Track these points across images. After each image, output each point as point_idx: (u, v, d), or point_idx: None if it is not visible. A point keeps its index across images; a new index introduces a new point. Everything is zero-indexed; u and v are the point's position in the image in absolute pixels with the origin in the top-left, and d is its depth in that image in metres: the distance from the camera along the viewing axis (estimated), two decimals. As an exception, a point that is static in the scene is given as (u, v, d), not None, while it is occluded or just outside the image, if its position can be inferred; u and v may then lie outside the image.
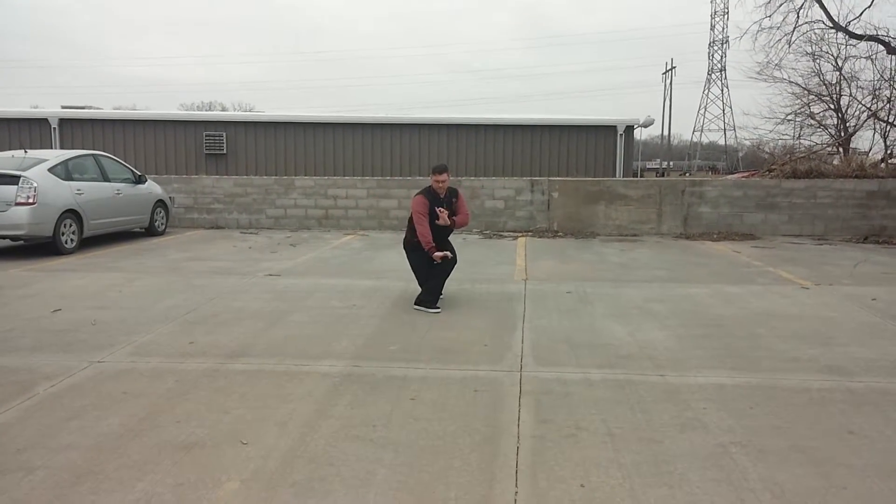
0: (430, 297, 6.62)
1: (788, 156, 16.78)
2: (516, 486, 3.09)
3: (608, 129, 19.01)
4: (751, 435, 3.63)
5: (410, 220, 6.75)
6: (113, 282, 7.86)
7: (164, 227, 13.04)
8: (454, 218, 6.76)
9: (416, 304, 6.63)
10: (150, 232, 12.63)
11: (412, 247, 6.80)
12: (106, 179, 11.40)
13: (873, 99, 17.88)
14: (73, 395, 4.19)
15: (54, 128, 18.72)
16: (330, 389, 4.31)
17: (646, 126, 20.37)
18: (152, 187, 12.78)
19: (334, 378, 4.52)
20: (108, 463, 3.28)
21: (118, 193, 11.51)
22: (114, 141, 18.87)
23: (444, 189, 6.64)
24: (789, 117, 19.01)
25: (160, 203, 12.90)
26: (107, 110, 21.59)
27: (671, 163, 59.74)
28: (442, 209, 6.59)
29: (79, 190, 10.48)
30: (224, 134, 18.93)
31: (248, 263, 9.37)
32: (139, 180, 12.32)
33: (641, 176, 35.96)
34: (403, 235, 7.15)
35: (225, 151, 18.96)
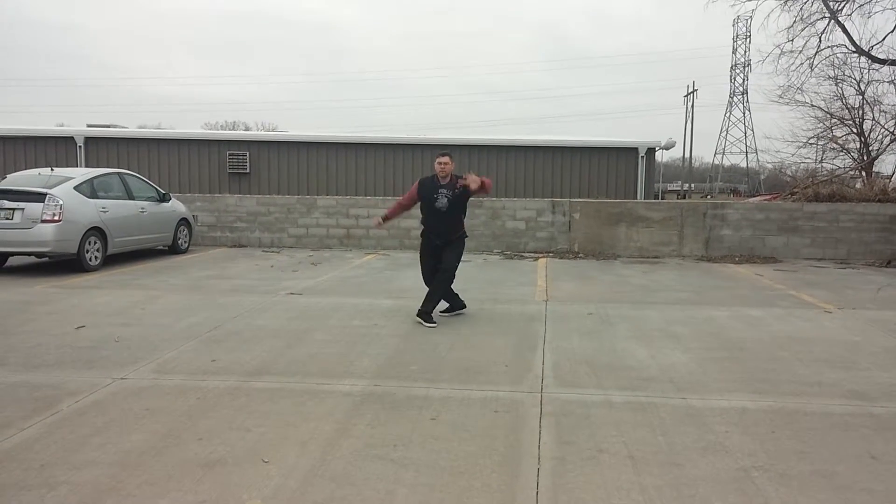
0: (427, 306, 6.77)
1: (811, 179, 16.65)
2: (536, 508, 3.08)
3: (630, 151, 18.99)
4: (773, 459, 3.59)
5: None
6: (136, 299, 7.98)
7: (187, 245, 13.21)
8: (478, 180, 6.53)
9: (417, 315, 6.83)
10: (174, 250, 12.80)
11: (421, 232, 7.12)
12: (130, 197, 11.60)
13: (897, 123, 17.72)
14: (97, 411, 4.25)
15: (80, 146, 19.09)
16: (351, 408, 4.33)
17: (667, 148, 20.34)
18: (176, 206, 12.97)
19: (355, 397, 4.54)
20: (131, 480, 3.32)
21: (142, 211, 11.69)
22: (138, 159, 19.19)
23: (446, 172, 6.75)
24: (811, 141, 18.91)
25: (183, 221, 13.08)
26: (132, 129, 22.00)
27: (693, 185, 59.47)
28: (448, 192, 6.71)
29: (104, 208, 10.67)
30: (247, 153, 19.18)
31: (270, 282, 9.46)
32: (163, 198, 12.51)
33: (663, 198, 35.81)
34: (418, 255, 7.37)
35: (248, 170, 19.20)
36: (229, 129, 55.13)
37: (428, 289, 6.94)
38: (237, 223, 14.74)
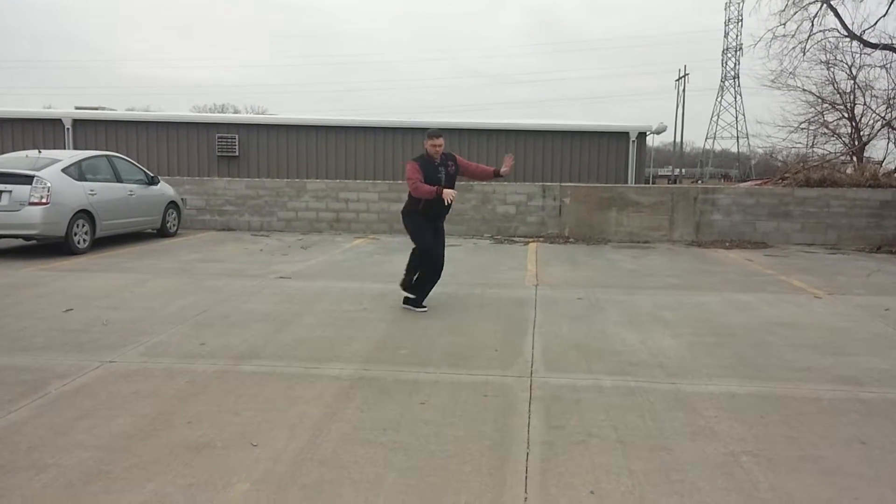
0: (419, 293, 6.73)
1: (801, 164, 16.69)
2: (526, 492, 3.08)
3: (620, 136, 18.96)
4: (762, 444, 3.61)
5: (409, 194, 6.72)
6: (125, 282, 7.91)
7: (175, 228, 13.11)
8: (442, 187, 6.45)
9: (404, 303, 6.77)
10: (162, 233, 12.71)
11: (408, 212, 6.77)
12: (119, 180, 11.48)
13: (888, 108, 17.78)
14: (85, 394, 4.22)
15: (68, 128, 18.87)
16: (340, 392, 4.31)
17: (658, 133, 20.31)
18: (164, 189, 12.87)
19: (344, 381, 4.53)
20: (119, 463, 3.29)
21: (131, 194, 11.59)
22: (126, 142, 19.01)
23: (439, 154, 6.62)
24: (803, 126, 18.96)
25: (172, 204, 12.98)
26: (120, 111, 21.75)
27: (683, 170, 59.55)
28: (451, 192, 6.43)
29: (92, 190, 10.56)
30: (236, 136, 19.02)
31: (259, 266, 9.41)
32: (152, 181, 12.40)
33: (653, 183, 35.85)
34: (408, 239, 7.17)
35: (237, 154, 19.05)
36: (218, 112, 54.68)
37: (433, 268, 6.74)
38: (226, 206, 14.64)
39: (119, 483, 3.09)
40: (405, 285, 6.82)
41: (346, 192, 14.45)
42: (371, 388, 4.40)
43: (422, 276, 6.76)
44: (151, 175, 12.57)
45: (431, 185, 6.42)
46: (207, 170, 19.06)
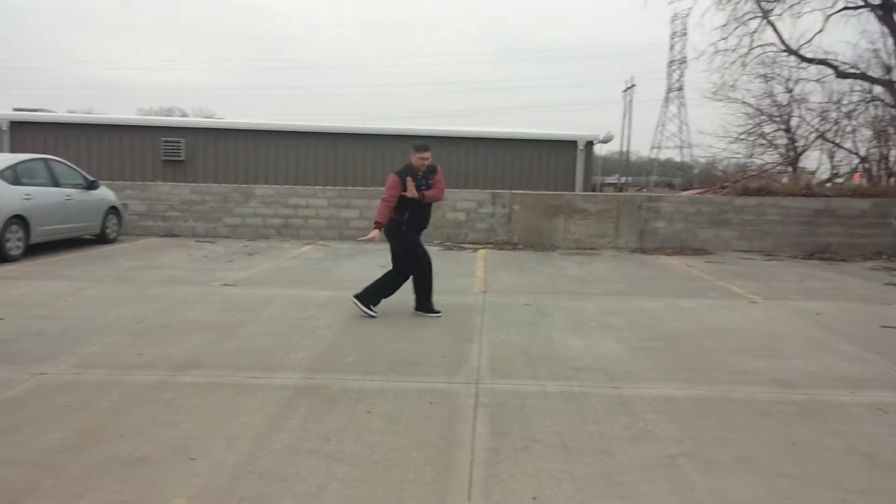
0: (373, 296, 6.73)
1: (741, 174, 17.26)
2: (469, 499, 3.08)
3: (569, 144, 19.24)
4: (699, 446, 3.69)
5: (396, 207, 6.67)
6: (60, 290, 7.64)
7: (116, 234, 12.72)
8: (423, 192, 6.62)
9: (355, 295, 6.76)
10: (102, 239, 12.31)
11: (395, 227, 6.73)
12: (56, 184, 11.10)
13: (821, 120, 18.52)
14: (14, 408, 4.04)
15: (4, 130, 18.17)
16: (284, 402, 4.24)
17: (605, 142, 20.72)
18: (105, 193, 12.48)
19: (288, 391, 4.46)
20: (47, 479, 3.16)
21: (69, 199, 11.20)
22: (66, 145, 18.38)
23: (424, 167, 6.61)
24: (742, 136, 19.55)
25: (113, 210, 12.59)
26: (60, 114, 21.05)
27: (630, 178, 60.77)
28: (411, 179, 6.53)
29: (27, 195, 10.18)
30: (183, 140, 18.61)
31: (203, 273, 9.21)
32: (91, 186, 12.02)
33: (601, 191, 36.48)
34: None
35: (183, 158, 18.64)
36: (165, 116, 53.43)
37: (422, 282, 6.87)
38: (170, 212, 14.29)
39: (46, 500, 2.97)
40: (424, 307, 6.84)
41: (294, 198, 14.28)
42: (316, 398, 4.34)
43: (419, 284, 6.85)
44: (91, 179, 12.19)
45: (391, 206, 6.55)
46: (152, 174, 18.57)
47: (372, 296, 6.75)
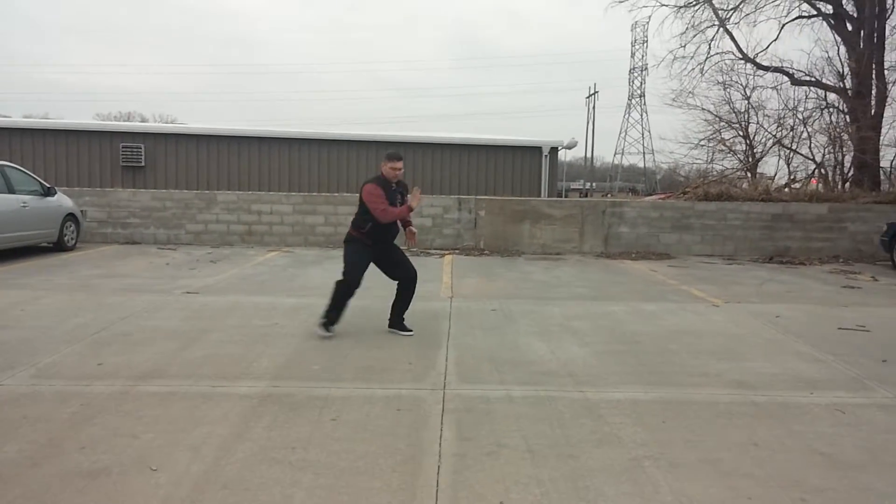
0: (333, 314, 6.06)
1: (701, 179, 17.60)
2: (436, 505, 3.08)
3: (534, 150, 19.42)
4: (663, 448, 3.74)
5: (357, 215, 6.16)
6: (16, 299, 7.43)
7: (74, 241, 12.44)
8: (406, 205, 6.19)
9: (321, 325, 6.08)
10: (60, 247, 12.02)
11: (352, 239, 6.18)
12: (11, 191, 10.81)
13: (778, 127, 19.03)
14: (-33, 421, 3.92)
15: (-44, 136, 17.65)
16: (248, 411, 4.19)
17: (570, 148, 20.96)
18: (62, 200, 12.19)
19: (253, 399, 4.40)
20: (4, 493, 3.07)
21: (24, 206, 10.92)
22: (22, 151, 17.95)
23: (396, 178, 6.12)
24: (702, 142, 19.97)
25: (70, 217, 12.31)
26: (15, 118, 20.54)
27: (594, 184, 61.51)
28: (418, 190, 6.23)
29: (-19, 202, 9.89)
30: (143, 146, 18.30)
31: (165, 280, 9.05)
32: (48, 192, 11.74)
33: (566, 196, 36.83)
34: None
35: (143, 164, 18.32)
36: (124, 121, 52.43)
37: (335, 291, 6.09)
38: (130, 219, 14.02)
39: (2, 516, 2.89)
40: (332, 319, 6.10)
41: (258, 205, 14.13)
42: (281, 406, 4.30)
43: (335, 293, 6.09)
44: (48, 186, 11.91)
45: (394, 208, 6.02)
46: (111, 180, 18.23)
47: (334, 313, 6.13)
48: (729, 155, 20.08)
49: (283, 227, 14.07)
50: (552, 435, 3.91)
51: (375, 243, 6.17)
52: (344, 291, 6.07)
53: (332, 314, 6.08)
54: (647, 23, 67.44)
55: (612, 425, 4.07)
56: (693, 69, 18.69)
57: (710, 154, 20.16)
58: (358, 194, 6.23)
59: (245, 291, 8.40)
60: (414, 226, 6.49)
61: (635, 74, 76.13)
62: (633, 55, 75.71)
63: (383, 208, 5.95)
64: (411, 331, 6.32)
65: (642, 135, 76.22)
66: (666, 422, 4.15)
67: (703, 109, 19.79)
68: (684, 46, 18.57)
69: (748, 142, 19.74)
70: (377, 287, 8.81)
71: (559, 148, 20.00)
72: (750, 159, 19.64)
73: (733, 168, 19.56)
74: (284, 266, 10.92)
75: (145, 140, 18.48)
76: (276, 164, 18.89)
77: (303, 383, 4.76)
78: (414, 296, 6.41)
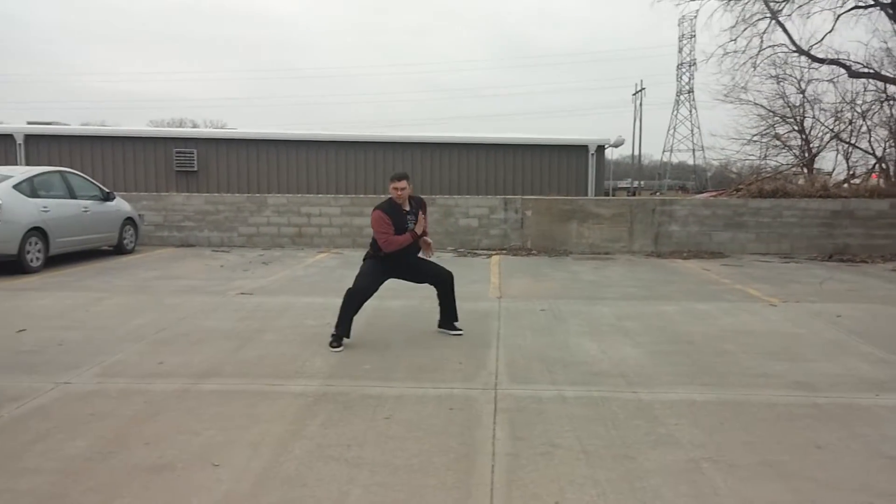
0: (342, 328, 5.83)
1: (755, 175, 17.17)
2: (492, 503, 3.09)
3: (580, 149, 19.24)
4: (721, 450, 3.67)
5: (372, 238, 6.08)
6: (80, 301, 7.72)
7: (133, 245, 12.84)
8: (413, 230, 5.96)
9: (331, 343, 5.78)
10: (119, 250, 12.42)
11: (370, 256, 6.17)
12: (73, 197, 11.22)
13: (835, 121, 18.44)
14: (39, 417, 4.09)
15: (20, 144, 18.40)
16: (303, 409, 4.27)
17: (617, 146, 20.70)
18: (121, 205, 12.60)
19: (308, 398, 4.48)
20: (75, 487, 3.20)
21: (85, 211, 11.32)
22: (81, 157, 18.60)
23: (404, 198, 5.92)
24: (755, 138, 19.52)
25: (129, 221, 12.71)
26: (74, 126, 21.31)
27: (642, 182, 60.62)
28: (416, 217, 5.94)
29: (45, 207, 10.30)
30: (195, 151, 18.78)
31: (220, 282, 9.27)
32: (107, 197, 12.14)
33: (613, 195, 36.41)
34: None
35: (196, 168, 18.80)
36: (176, 127, 53.87)
37: (343, 301, 5.92)
38: (185, 222, 14.40)
39: (74, 508, 3.01)
40: (340, 333, 5.84)
41: (308, 207, 14.35)
42: (335, 404, 4.36)
43: (342, 303, 5.93)
44: (107, 191, 12.31)
45: (402, 235, 5.88)
46: (165, 185, 18.74)
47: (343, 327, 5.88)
48: (784, 150, 19.58)
49: (331, 228, 14.26)
50: (606, 435, 3.88)
51: (389, 264, 6.06)
52: (348, 298, 5.89)
53: (341, 328, 5.81)
54: (695, 17, 65.77)
55: (668, 426, 4.02)
56: (744, 63, 18.22)
57: (764, 150, 19.70)
58: None
59: (297, 292, 8.55)
60: (429, 236, 6.23)
61: (683, 70, 74.76)
62: (680, 50, 74.35)
63: (385, 239, 5.82)
64: (461, 331, 6.31)
65: (692, 131, 74.64)
66: (724, 423, 4.07)
67: (755, 104, 19.36)
68: (735, 40, 18.11)
69: (804, 137, 19.22)
70: (424, 287, 8.86)
71: (606, 146, 19.77)
72: (806, 155, 19.10)
73: (788, 164, 19.05)
74: (334, 267, 11.06)
75: (197, 145, 18.96)
76: (323, 167, 19.16)
77: (356, 382, 4.83)
78: (457, 297, 6.41)
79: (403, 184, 5.89)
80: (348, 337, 5.87)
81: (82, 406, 4.29)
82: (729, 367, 5.28)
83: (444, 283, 6.30)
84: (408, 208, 5.98)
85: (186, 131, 27.33)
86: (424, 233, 6.13)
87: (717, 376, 5.03)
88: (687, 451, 3.67)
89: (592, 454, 3.62)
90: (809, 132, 19.14)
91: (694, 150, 72.52)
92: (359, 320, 6.73)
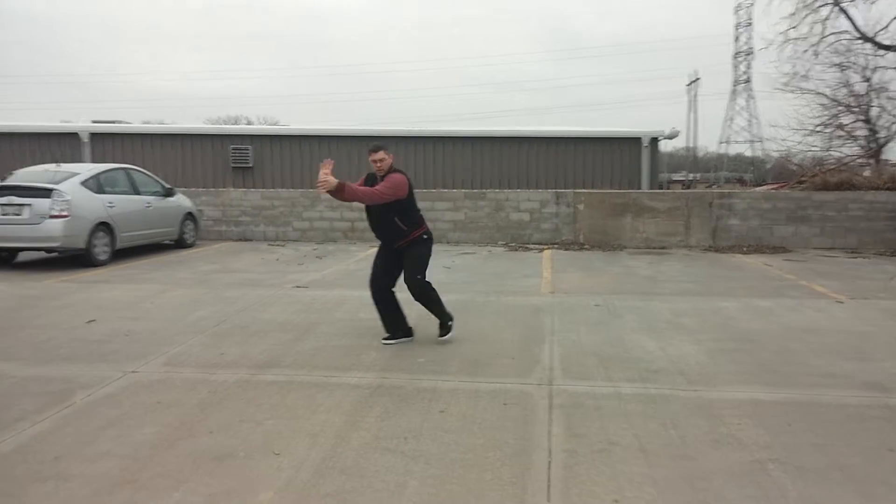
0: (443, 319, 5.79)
1: (818, 167, 16.57)
2: (548, 500, 3.06)
3: (633, 141, 18.89)
4: (789, 452, 3.56)
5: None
6: (145, 293, 7.97)
7: (193, 239, 13.20)
8: (354, 185, 5.52)
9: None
10: (180, 244, 12.79)
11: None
12: (136, 192, 11.59)
13: (904, 110, 17.63)
14: (109, 404, 4.25)
15: (85, 142, 19.09)
16: (360, 401, 4.32)
17: (671, 138, 20.24)
18: (181, 200, 12.97)
19: (364, 390, 4.53)
20: (144, 472, 3.31)
21: (148, 206, 11.69)
22: (143, 154, 19.18)
23: (383, 170, 5.64)
24: (818, 128, 18.82)
25: (189, 216, 13.08)
26: (136, 124, 22.01)
27: (697, 175, 59.22)
28: (327, 163, 5.47)
29: (110, 203, 10.67)
30: (250, 147, 19.15)
31: (276, 275, 9.45)
32: (168, 193, 12.50)
33: (668, 188, 35.69)
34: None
35: (251, 164, 19.18)
36: (232, 124, 55.12)
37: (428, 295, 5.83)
38: (242, 217, 14.73)
39: (144, 492, 3.11)
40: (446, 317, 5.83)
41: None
42: (390, 397, 4.40)
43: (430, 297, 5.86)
44: (168, 187, 12.68)
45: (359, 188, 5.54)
46: (223, 181, 19.19)
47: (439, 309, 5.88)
48: (848, 141, 18.83)
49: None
50: (665, 434, 3.81)
51: (382, 246, 5.96)
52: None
53: (440, 313, 5.82)
54: (752, 4, 63.87)
55: (731, 426, 3.91)
56: (806, 51, 17.62)
57: (828, 141, 18.99)
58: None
59: (350, 286, 8.65)
60: (326, 181, 5.40)
61: (740, 59, 72.59)
62: (737, 39, 72.15)
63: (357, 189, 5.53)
64: (390, 341, 5.73)
65: (749, 122, 72.46)
66: (791, 424, 3.95)
67: (818, 93, 18.66)
68: (795, 27, 17.53)
69: (870, 126, 18.44)
70: (477, 281, 8.88)
71: (660, 138, 19.37)
72: (872, 145, 18.33)
73: (854, 155, 18.32)
74: (387, 261, 11.14)
75: (252, 142, 19.34)
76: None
77: (410, 375, 4.86)
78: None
79: (379, 154, 5.59)
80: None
81: (149, 394, 4.43)
82: (795, 366, 5.12)
83: (409, 288, 5.76)
84: (380, 179, 5.66)
85: (242, 128, 27.94)
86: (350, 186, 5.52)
87: (782, 375, 4.87)
88: (751, 451, 3.57)
89: (651, 453, 3.56)
90: (876, 122, 18.36)
91: (752, 142, 70.49)
92: (412, 315, 6.77)
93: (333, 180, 5.29)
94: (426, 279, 5.77)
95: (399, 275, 5.84)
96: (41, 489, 3.14)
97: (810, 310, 7.15)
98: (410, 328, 5.91)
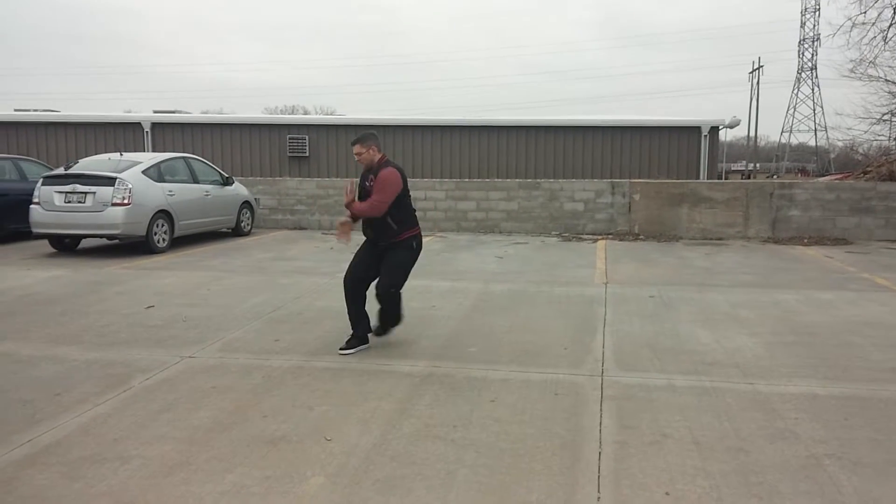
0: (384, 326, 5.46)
1: (885, 157, 15.87)
2: (599, 491, 3.05)
3: (692, 130, 18.48)
4: (846, 447, 3.46)
5: None
6: (202, 280, 8.21)
7: (249, 227, 13.51)
8: (356, 203, 5.29)
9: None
10: (237, 232, 13.11)
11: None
12: (195, 181, 11.91)
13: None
14: (166, 388, 4.40)
15: (147, 131, 19.73)
16: (411, 389, 4.37)
17: (731, 127, 19.70)
18: (239, 189, 13.27)
19: (415, 378, 4.58)
20: (199, 454, 3.43)
21: (207, 195, 12.00)
22: (202, 144, 19.71)
23: (364, 163, 5.25)
24: (885, 117, 18.00)
25: (246, 204, 13.38)
26: (195, 114, 22.59)
27: (758, 165, 57.50)
28: (349, 189, 5.29)
29: (170, 191, 10.99)
30: (307, 137, 19.47)
31: (330, 264, 9.60)
32: (226, 182, 12.81)
33: (727, 178, 34.75)
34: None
35: (307, 154, 19.50)
36: (289, 114, 56.05)
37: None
38: (297, 206, 14.99)
39: (200, 474, 3.22)
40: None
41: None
42: (441, 385, 4.43)
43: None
44: (226, 176, 12.99)
45: (361, 201, 5.28)
46: (279, 170, 19.58)
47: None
48: (919, 129, 17.96)
49: (436, 212, 14.42)
50: (719, 427, 3.74)
51: (368, 242, 5.52)
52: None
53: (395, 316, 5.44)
54: (820, -10, 61.56)
55: (787, 420, 3.82)
56: (875, 36, 16.84)
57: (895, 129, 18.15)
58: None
59: (402, 275, 8.71)
60: (350, 219, 5.42)
61: (805, 45, 70.06)
62: (802, 25, 69.66)
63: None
64: (348, 350, 5.18)
65: (813, 111, 69.91)
66: (848, 419, 3.83)
67: (886, 80, 17.82)
68: (864, 12, 16.77)
69: (943, 114, 17.54)
70: (530, 271, 8.83)
71: (720, 127, 18.88)
72: (945, 134, 17.45)
73: (924, 144, 17.49)
74: (439, 251, 11.20)
75: (309, 131, 19.66)
76: (428, 151, 19.38)
77: (461, 364, 4.88)
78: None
79: (356, 148, 5.19)
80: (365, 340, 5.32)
81: (205, 379, 4.57)
82: (855, 360, 4.95)
83: (379, 291, 5.26)
84: (373, 176, 5.21)
85: (299, 118, 28.42)
86: (353, 207, 5.29)
87: (841, 370, 4.72)
88: (807, 446, 3.48)
89: (704, 446, 3.50)
90: (950, 109, 17.44)
91: (816, 131, 68.01)
92: (464, 304, 6.81)
93: (349, 229, 5.36)
94: (399, 291, 5.37)
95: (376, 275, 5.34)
96: (101, 470, 3.28)
97: (873, 303, 6.89)
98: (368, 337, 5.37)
